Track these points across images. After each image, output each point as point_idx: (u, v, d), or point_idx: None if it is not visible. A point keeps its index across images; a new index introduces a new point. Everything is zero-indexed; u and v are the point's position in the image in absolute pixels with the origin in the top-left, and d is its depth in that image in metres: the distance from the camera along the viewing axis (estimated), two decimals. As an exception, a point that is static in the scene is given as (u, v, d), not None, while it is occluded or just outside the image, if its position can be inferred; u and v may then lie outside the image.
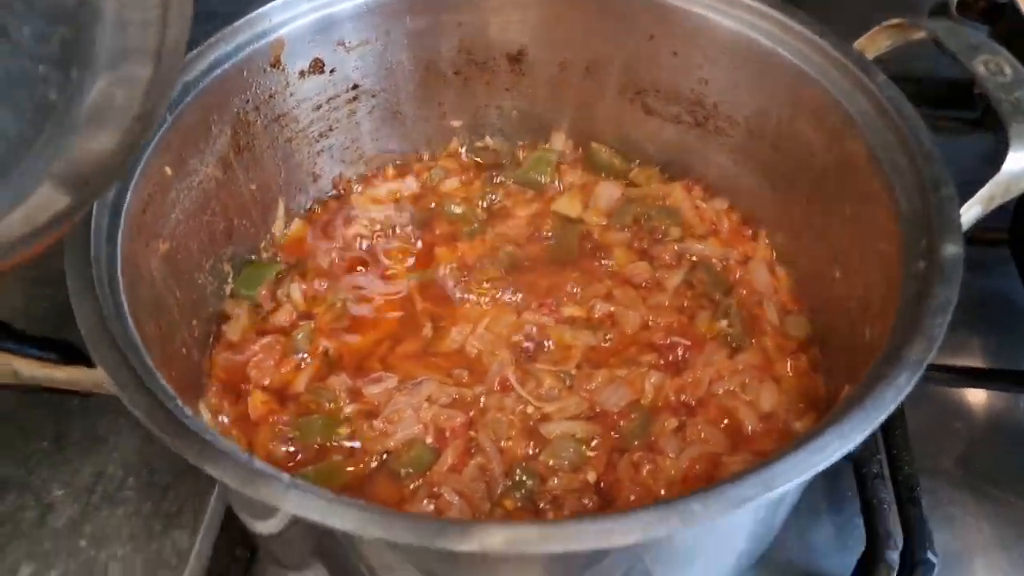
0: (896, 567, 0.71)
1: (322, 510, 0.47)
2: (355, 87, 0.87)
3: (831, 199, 0.73)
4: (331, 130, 0.89)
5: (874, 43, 0.73)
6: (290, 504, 0.47)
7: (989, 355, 0.96)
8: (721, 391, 0.73)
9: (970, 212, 0.61)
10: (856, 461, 0.79)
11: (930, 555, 0.71)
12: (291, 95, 0.83)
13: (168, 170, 0.71)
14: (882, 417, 0.47)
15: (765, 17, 0.76)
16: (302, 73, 0.83)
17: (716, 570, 0.64)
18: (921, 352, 0.49)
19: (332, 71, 0.85)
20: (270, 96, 0.81)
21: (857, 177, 0.68)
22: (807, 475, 0.45)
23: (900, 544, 0.72)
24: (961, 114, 1.09)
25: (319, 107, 0.86)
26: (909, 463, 0.77)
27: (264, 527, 0.63)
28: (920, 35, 0.71)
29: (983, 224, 0.95)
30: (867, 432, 0.47)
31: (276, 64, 0.80)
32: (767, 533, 0.66)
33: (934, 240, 0.56)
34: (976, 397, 0.93)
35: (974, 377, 0.91)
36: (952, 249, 0.55)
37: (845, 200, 0.71)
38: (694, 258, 0.84)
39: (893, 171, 0.64)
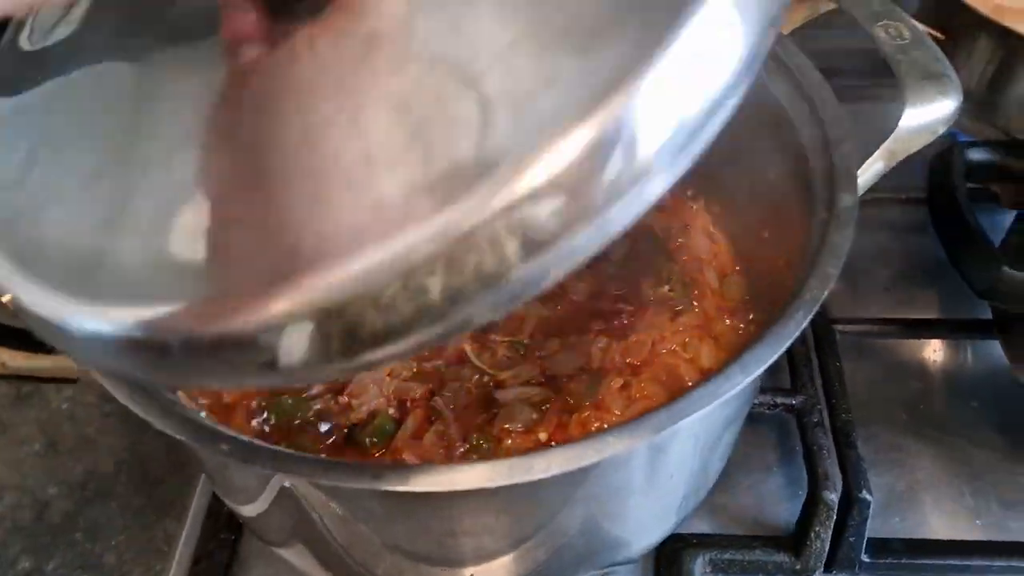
0: (835, 507, 0.76)
1: (281, 460, 0.51)
2: None
3: (756, 166, 0.78)
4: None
5: (789, 18, 0.78)
6: (247, 459, 0.51)
7: (932, 310, 1.02)
8: (664, 351, 0.77)
9: (874, 167, 0.65)
10: (799, 412, 0.84)
11: (865, 494, 0.75)
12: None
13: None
14: (781, 350, 0.52)
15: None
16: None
17: (658, 514, 0.69)
18: (817, 290, 0.54)
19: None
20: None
21: (776, 144, 0.73)
22: (712, 404, 0.50)
23: (839, 487, 0.77)
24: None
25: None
26: (846, 411, 0.82)
27: (248, 510, 0.67)
28: (830, 6, 0.76)
29: (916, 184, 1.01)
30: (766, 363, 0.51)
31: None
32: (704, 481, 0.71)
33: (834, 193, 0.61)
34: (923, 351, 0.98)
35: (916, 327, 0.97)
36: (848, 199, 0.60)
37: (767, 166, 0.75)
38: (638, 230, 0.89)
39: (805, 135, 0.69)
